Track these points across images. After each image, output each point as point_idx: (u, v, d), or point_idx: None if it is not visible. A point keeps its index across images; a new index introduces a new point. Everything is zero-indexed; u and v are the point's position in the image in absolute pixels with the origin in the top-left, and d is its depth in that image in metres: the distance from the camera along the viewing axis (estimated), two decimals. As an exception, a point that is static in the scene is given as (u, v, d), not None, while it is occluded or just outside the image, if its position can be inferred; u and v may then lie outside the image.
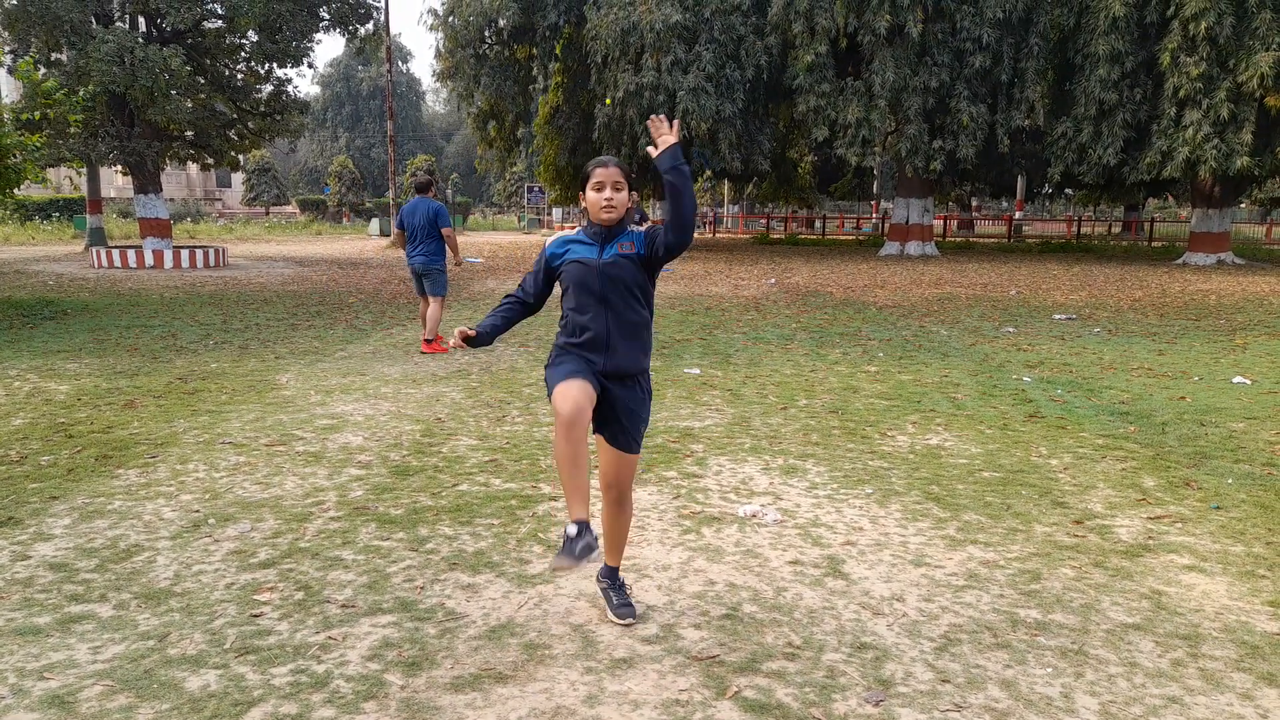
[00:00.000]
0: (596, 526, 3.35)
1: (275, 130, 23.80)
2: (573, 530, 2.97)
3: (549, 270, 3.25)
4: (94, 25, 19.29)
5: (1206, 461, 5.35)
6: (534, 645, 3.07)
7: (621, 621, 3.27)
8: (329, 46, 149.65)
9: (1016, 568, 3.77)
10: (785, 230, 44.09)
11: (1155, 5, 22.38)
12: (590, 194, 3.11)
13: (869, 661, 2.97)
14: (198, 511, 4.36)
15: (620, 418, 3.19)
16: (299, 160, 78.11)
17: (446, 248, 9.29)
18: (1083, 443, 5.78)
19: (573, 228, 3.30)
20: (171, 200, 41.97)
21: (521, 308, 3.37)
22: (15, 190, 12.83)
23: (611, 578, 3.40)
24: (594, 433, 3.23)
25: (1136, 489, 4.84)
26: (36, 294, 14.27)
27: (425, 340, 9.28)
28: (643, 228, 3.23)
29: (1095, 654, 3.04)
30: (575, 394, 2.97)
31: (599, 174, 3.08)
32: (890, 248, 28.16)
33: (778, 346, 9.76)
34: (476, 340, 3.29)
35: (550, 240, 3.26)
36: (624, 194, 3.09)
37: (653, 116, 3.05)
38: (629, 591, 3.40)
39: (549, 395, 3.09)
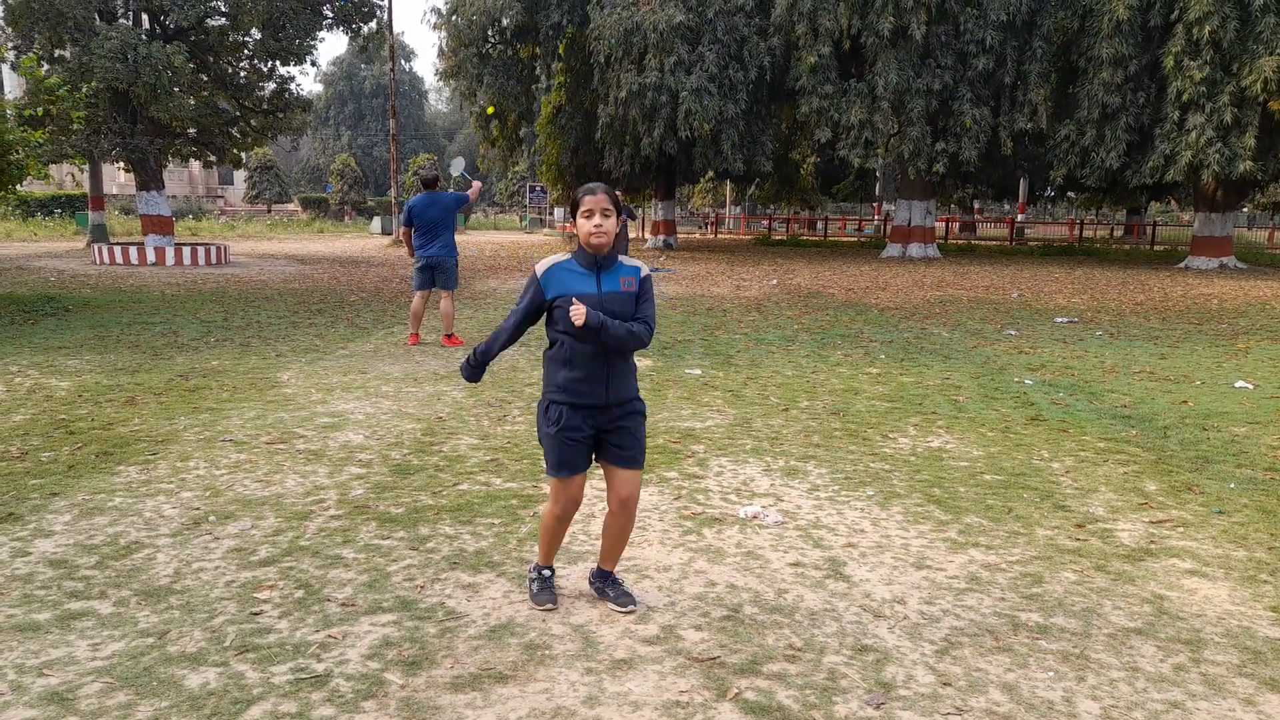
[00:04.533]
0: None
1: (278, 128, 23.79)
2: (547, 573, 3.47)
3: (543, 303, 3.21)
4: (97, 22, 19.29)
5: (1208, 466, 5.34)
6: (534, 645, 3.06)
7: (624, 610, 3.33)
8: (332, 44, 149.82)
9: (1018, 571, 3.76)
10: (787, 231, 44.06)
11: (1159, 9, 22.35)
12: (580, 221, 3.15)
13: (870, 664, 2.97)
14: (198, 509, 4.36)
15: (623, 443, 3.25)
16: (301, 158, 78.15)
17: (455, 241, 9.58)
18: (1084, 446, 5.77)
19: (568, 251, 3.30)
20: (174, 197, 41.98)
21: (512, 338, 3.34)
22: (17, 186, 12.83)
23: (604, 579, 3.46)
24: (598, 460, 3.32)
25: (1138, 493, 4.83)
26: (38, 290, 14.28)
27: (445, 335, 9.72)
28: (636, 262, 3.29)
29: (1097, 658, 3.03)
30: (576, 495, 3.30)
31: (588, 201, 3.13)
32: (892, 249, 28.14)
33: (779, 348, 9.76)
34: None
35: (540, 268, 3.22)
36: (613, 220, 3.14)
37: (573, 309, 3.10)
38: (623, 584, 3.48)
39: (546, 462, 3.29)
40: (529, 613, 3.31)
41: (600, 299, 3.13)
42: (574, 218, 3.19)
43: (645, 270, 3.28)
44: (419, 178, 9.60)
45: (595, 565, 3.52)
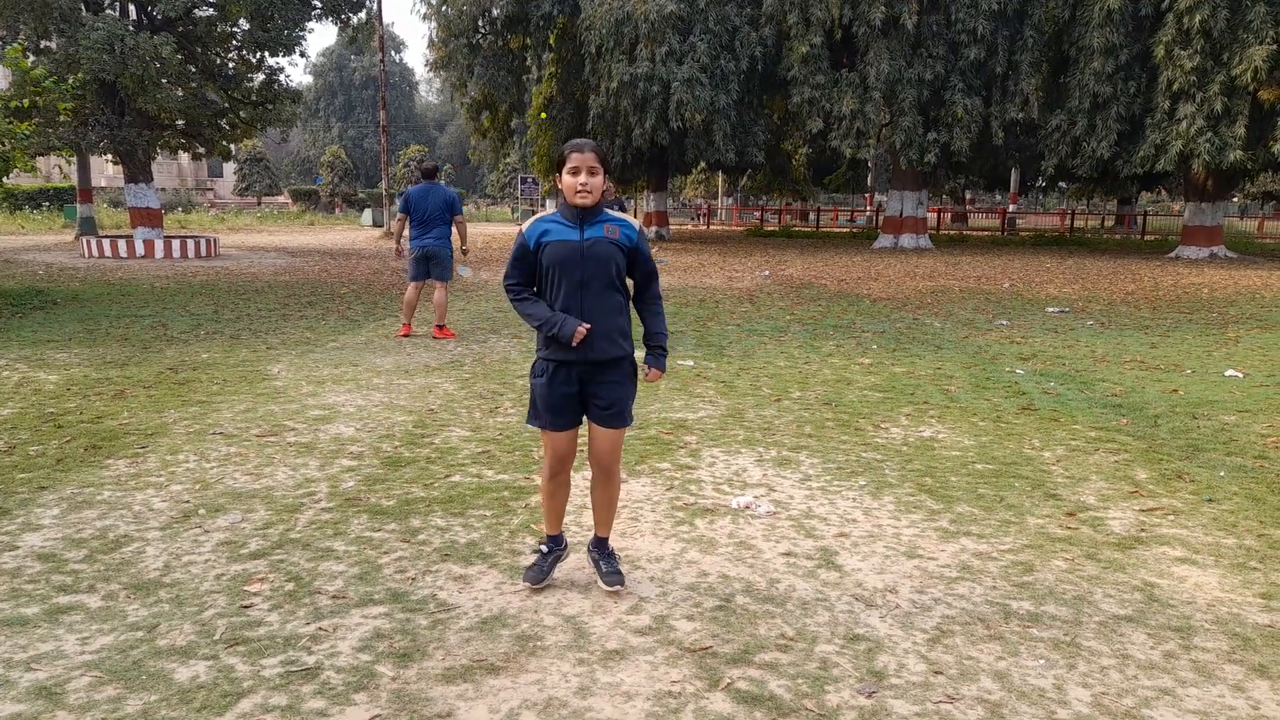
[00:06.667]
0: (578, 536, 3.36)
1: (267, 120, 23.60)
2: (544, 549, 3.46)
3: (531, 253, 3.24)
4: (84, 12, 19.08)
5: (1199, 454, 5.36)
6: (526, 636, 3.06)
7: (610, 588, 3.37)
8: (321, 35, 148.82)
9: (1009, 559, 3.77)
10: (779, 222, 44.03)
11: (1150, -2, 22.38)
12: (566, 178, 3.16)
13: (862, 653, 2.97)
14: (188, 502, 4.34)
15: (607, 403, 3.28)
16: (291, 150, 77.64)
17: (454, 233, 9.46)
18: (1075, 435, 5.78)
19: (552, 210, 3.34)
20: (163, 190, 41.69)
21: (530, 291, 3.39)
22: (4, 179, 12.71)
23: (600, 548, 3.50)
24: (582, 417, 3.36)
25: (1129, 481, 4.84)
26: (26, 283, 14.18)
27: (437, 326, 9.62)
28: (627, 216, 3.31)
29: (1087, 646, 3.04)
30: (562, 449, 3.32)
31: (574, 159, 3.13)
32: (884, 240, 28.16)
33: (771, 339, 9.75)
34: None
35: (526, 225, 3.28)
36: (599, 178, 3.15)
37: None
38: (617, 560, 3.51)
39: (533, 413, 3.31)
40: (521, 604, 3.31)
41: (581, 246, 3.15)
42: (559, 173, 3.18)
43: (639, 225, 3.28)
44: (420, 169, 9.56)
45: (593, 534, 3.57)
